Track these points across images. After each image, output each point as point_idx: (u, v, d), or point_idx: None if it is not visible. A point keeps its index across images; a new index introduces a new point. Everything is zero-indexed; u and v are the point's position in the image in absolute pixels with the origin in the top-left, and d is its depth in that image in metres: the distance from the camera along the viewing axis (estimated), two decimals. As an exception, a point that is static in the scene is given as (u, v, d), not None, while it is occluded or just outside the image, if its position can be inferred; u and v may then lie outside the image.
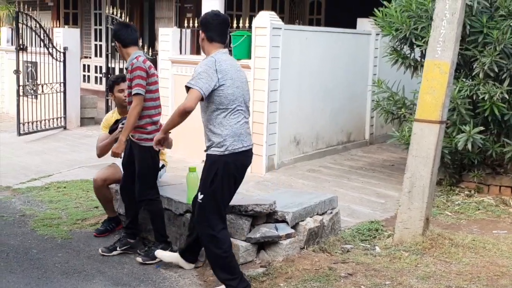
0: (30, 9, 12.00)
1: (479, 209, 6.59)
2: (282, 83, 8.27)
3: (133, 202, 5.24)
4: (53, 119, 11.52)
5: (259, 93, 8.05)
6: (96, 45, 16.52)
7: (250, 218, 4.95)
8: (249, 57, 8.13)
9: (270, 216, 5.06)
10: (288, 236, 4.98)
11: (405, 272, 4.71)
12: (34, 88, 11.70)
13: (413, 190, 5.30)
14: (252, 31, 8.16)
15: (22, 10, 11.25)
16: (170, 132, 4.55)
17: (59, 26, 14.13)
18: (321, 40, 9.10)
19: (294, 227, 5.11)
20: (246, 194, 5.94)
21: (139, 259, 5.09)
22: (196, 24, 9.15)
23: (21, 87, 11.11)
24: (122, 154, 5.24)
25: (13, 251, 5.31)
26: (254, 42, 8.10)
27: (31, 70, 12.08)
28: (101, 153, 5.65)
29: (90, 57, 16.63)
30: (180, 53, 9.54)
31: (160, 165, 5.47)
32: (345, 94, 9.62)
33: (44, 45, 11.33)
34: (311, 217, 5.29)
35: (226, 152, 4.21)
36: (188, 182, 5.07)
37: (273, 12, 8.42)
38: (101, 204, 5.91)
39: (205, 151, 4.34)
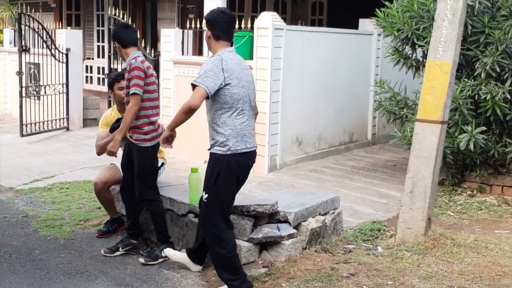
0: (33, 11, 12.01)
1: (481, 209, 6.59)
2: (284, 84, 8.28)
3: (133, 203, 5.25)
4: (55, 120, 11.55)
5: (261, 94, 8.04)
6: (98, 46, 16.53)
7: (252, 219, 4.96)
8: (251, 57, 8.14)
9: (272, 217, 5.07)
10: (290, 236, 4.99)
11: (407, 272, 4.71)
12: (37, 89, 11.72)
13: (415, 190, 5.30)
14: (254, 32, 8.17)
15: (24, 12, 11.26)
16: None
17: (62, 28, 14.15)
18: (323, 40, 9.11)
19: (296, 227, 5.11)
20: (248, 195, 5.96)
21: (142, 260, 5.11)
22: (198, 25, 9.16)
23: (23, 89, 11.13)
24: (122, 154, 5.26)
25: (16, 251, 5.33)
26: (256, 42, 8.11)
27: (34, 72, 12.11)
28: (101, 151, 5.63)
29: (92, 58, 16.64)
30: (182, 54, 9.55)
31: (160, 163, 5.49)
32: (347, 94, 9.62)
33: (47, 46, 11.35)
34: (313, 217, 5.30)
35: (228, 152, 4.21)
36: (190, 183, 5.09)
37: (275, 13, 8.43)
38: (103, 206, 5.93)
39: (209, 149, 4.34)
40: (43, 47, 11.38)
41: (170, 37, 9.50)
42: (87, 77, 16.15)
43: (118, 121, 5.59)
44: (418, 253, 5.07)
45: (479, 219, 6.31)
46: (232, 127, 4.22)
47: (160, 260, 5.09)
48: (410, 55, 7.69)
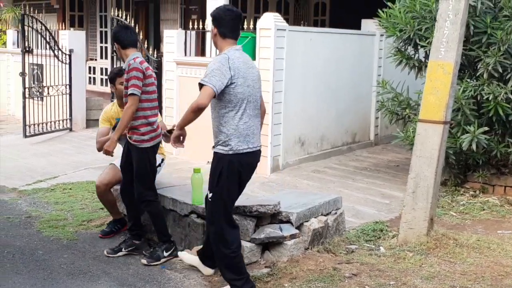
0: (36, 12, 12.03)
1: (484, 210, 6.59)
2: (287, 84, 8.29)
3: (134, 203, 5.27)
4: (59, 121, 11.57)
5: (264, 94, 7.94)
6: (101, 47, 16.56)
7: (254, 219, 4.97)
8: (253, 58, 8.14)
9: (275, 217, 5.08)
10: (292, 236, 5.00)
11: (409, 272, 4.71)
12: (40, 90, 11.75)
13: (417, 191, 5.31)
14: (256, 33, 8.18)
15: (28, 13, 11.28)
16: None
17: (65, 29, 14.19)
18: (326, 41, 9.12)
19: (298, 227, 5.12)
20: (250, 195, 5.96)
21: (144, 261, 5.11)
22: (200, 26, 9.18)
23: (27, 89, 11.17)
24: (121, 154, 5.28)
25: (19, 252, 5.34)
26: (259, 43, 8.13)
27: (37, 72, 12.13)
28: (101, 147, 5.59)
29: (95, 59, 16.68)
30: (185, 54, 9.56)
31: (160, 160, 5.51)
32: (349, 95, 9.62)
33: (50, 47, 11.38)
34: (315, 217, 5.30)
35: (230, 152, 4.21)
36: (193, 183, 5.10)
37: (277, 14, 8.44)
38: (105, 207, 5.94)
39: (213, 147, 4.35)
40: (46, 48, 11.40)
41: (173, 38, 9.52)
42: (90, 78, 16.18)
43: None
44: (420, 253, 5.08)
45: (481, 219, 6.31)
46: (234, 127, 4.22)
47: (163, 260, 5.10)
48: (413, 56, 7.70)
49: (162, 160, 5.73)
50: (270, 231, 4.96)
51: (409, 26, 7.25)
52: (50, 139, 10.99)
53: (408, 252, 5.12)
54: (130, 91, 4.94)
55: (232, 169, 4.23)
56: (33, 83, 12.04)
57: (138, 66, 4.97)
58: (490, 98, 6.66)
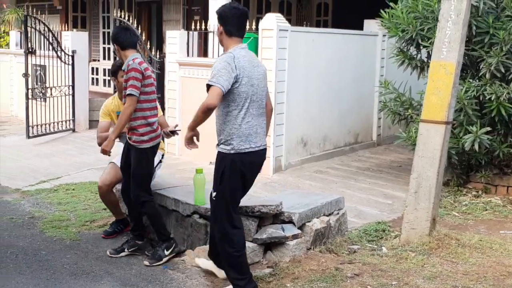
0: (39, 13, 12.07)
1: (486, 210, 6.58)
2: (289, 85, 8.29)
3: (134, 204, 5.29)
4: (61, 122, 11.59)
5: (266, 95, 8.05)
6: (104, 48, 16.58)
7: (257, 219, 4.98)
8: (256, 59, 8.15)
9: (277, 217, 5.08)
10: (294, 236, 5.00)
11: (411, 272, 4.72)
12: (43, 91, 11.77)
13: (420, 191, 5.31)
14: (258, 33, 8.18)
15: (30, 14, 11.31)
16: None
17: (68, 30, 14.21)
18: (328, 41, 9.12)
19: (300, 228, 5.12)
20: (253, 195, 5.96)
21: (146, 262, 5.12)
22: (203, 27, 9.19)
23: (30, 90, 11.19)
24: (121, 154, 5.30)
25: (22, 252, 5.36)
26: (261, 44, 8.13)
27: (40, 73, 12.16)
28: (101, 142, 5.59)
29: (98, 60, 16.69)
30: (188, 55, 9.57)
31: (160, 156, 5.53)
32: (352, 95, 9.63)
33: (53, 48, 11.40)
34: (317, 218, 5.31)
35: (232, 151, 4.22)
36: (195, 184, 5.11)
37: (279, 14, 8.44)
38: (108, 208, 5.96)
39: (217, 145, 4.35)
40: (49, 49, 11.43)
41: (176, 39, 9.53)
42: (93, 79, 16.19)
43: None
44: (422, 253, 5.08)
45: (484, 219, 6.30)
46: (237, 126, 4.21)
47: (165, 259, 5.11)
48: (415, 56, 7.70)
49: (163, 155, 5.78)
50: (272, 231, 4.97)
51: (412, 26, 7.25)
52: (53, 140, 11.01)
53: (410, 252, 5.12)
54: (128, 91, 4.96)
55: (234, 169, 4.23)
56: (36, 84, 12.06)
57: (137, 67, 4.98)
58: (492, 98, 6.66)
